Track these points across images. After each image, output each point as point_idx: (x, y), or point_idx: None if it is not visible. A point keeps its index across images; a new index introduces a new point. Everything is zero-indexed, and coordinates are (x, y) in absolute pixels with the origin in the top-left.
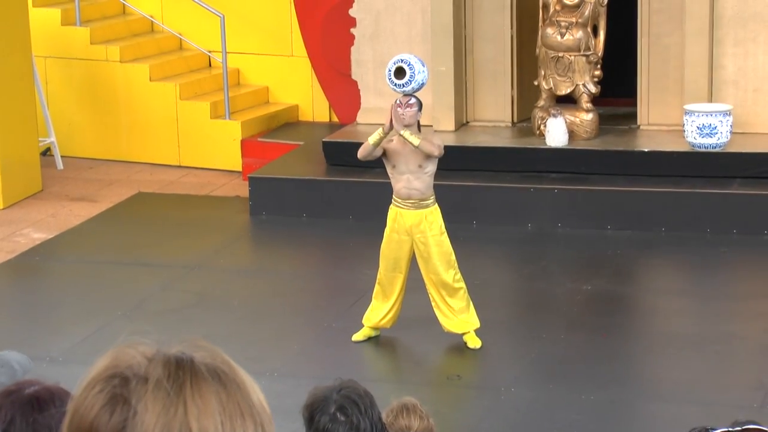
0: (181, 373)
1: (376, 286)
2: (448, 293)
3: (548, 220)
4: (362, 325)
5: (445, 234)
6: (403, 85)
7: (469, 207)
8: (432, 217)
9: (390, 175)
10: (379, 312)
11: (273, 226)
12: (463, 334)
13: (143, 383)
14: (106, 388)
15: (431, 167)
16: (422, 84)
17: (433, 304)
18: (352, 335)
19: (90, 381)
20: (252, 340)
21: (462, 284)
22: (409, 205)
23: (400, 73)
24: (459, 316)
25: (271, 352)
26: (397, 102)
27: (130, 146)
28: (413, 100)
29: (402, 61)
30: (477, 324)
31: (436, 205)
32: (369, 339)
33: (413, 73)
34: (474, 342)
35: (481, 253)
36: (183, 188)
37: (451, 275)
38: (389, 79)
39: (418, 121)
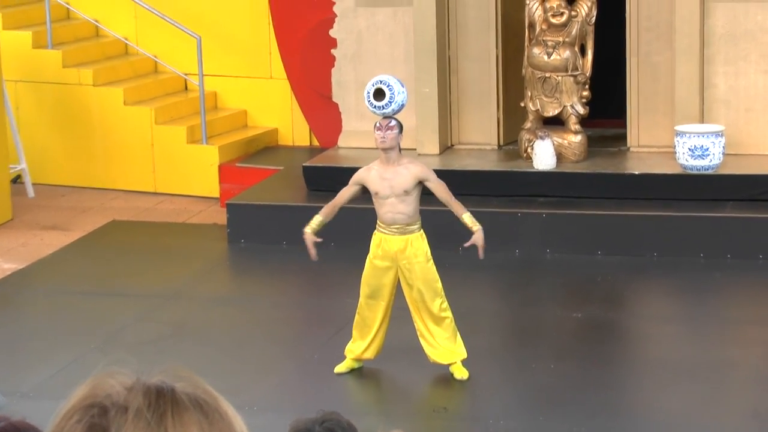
0: (162, 402)
1: (356, 316)
2: (434, 322)
3: (536, 245)
4: (345, 357)
5: (431, 261)
6: (383, 107)
7: (455, 232)
8: (417, 243)
9: (374, 201)
10: (360, 343)
11: (252, 253)
12: (450, 364)
13: (123, 413)
14: (84, 417)
15: (416, 192)
16: (402, 105)
17: (418, 333)
18: (334, 367)
19: (68, 411)
20: (230, 372)
21: (449, 313)
22: (395, 230)
23: (379, 94)
24: (445, 345)
25: (250, 384)
26: (377, 125)
27: (104, 172)
28: (393, 123)
29: (381, 82)
30: (464, 354)
31: (422, 231)
32: (352, 371)
33: (393, 94)
34: (461, 373)
35: (467, 280)
36: (159, 216)
37: (438, 304)
38: (368, 101)
39: (399, 144)
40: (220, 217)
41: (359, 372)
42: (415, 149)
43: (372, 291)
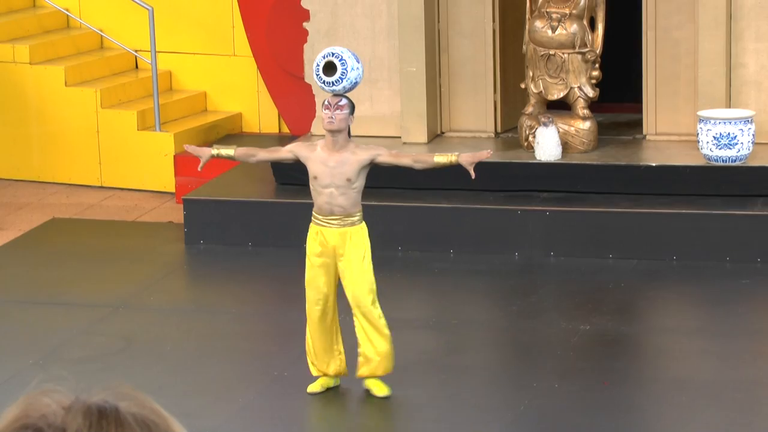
0: (105, 423)
1: (308, 326)
2: (375, 330)
3: (539, 247)
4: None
5: (369, 260)
6: (333, 84)
7: (445, 233)
8: (357, 237)
9: (310, 186)
10: (323, 357)
11: (212, 256)
12: (369, 377)
13: None
14: None
15: (360, 182)
16: (355, 83)
17: (358, 339)
18: (307, 386)
19: None
20: (187, 393)
21: (384, 321)
22: (332, 222)
23: (329, 69)
24: (383, 358)
25: (210, 406)
26: (325, 103)
27: (43, 163)
28: (344, 102)
29: (332, 54)
30: (390, 369)
31: (363, 223)
32: (327, 390)
33: (345, 69)
34: (381, 390)
35: (459, 287)
36: (105, 213)
37: (377, 311)
38: (317, 75)
39: (348, 127)
40: (176, 214)
41: (335, 391)
42: (399, 137)
43: (315, 295)
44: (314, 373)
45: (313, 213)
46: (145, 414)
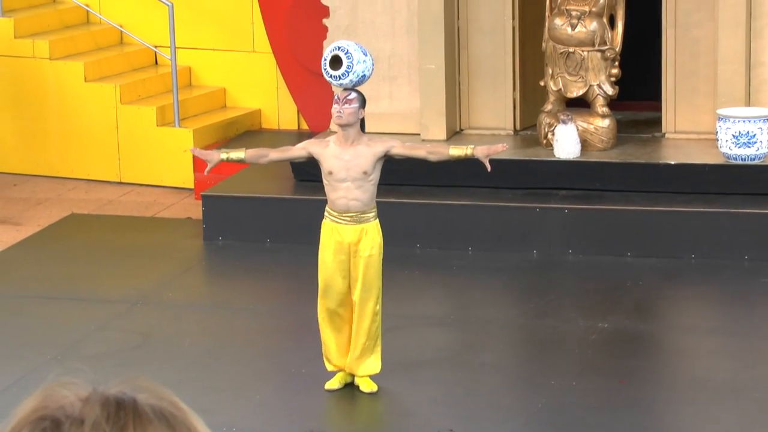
0: (123, 414)
1: (321, 323)
2: (368, 328)
3: (557, 245)
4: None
5: (381, 258)
6: (340, 77)
7: (464, 230)
8: (372, 234)
9: (324, 183)
10: (337, 354)
11: (231, 253)
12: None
13: (78, 426)
14: (35, 431)
15: (376, 175)
16: (363, 77)
17: (353, 338)
18: (325, 382)
19: (15, 425)
20: (206, 389)
21: (379, 319)
22: (347, 219)
23: (336, 62)
24: (363, 355)
25: (228, 402)
26: (336, 97)
27: (62, 159)
28: (353, 95)
29: (339, 48)
30: (378, 369)
31: (377, 220)
32: (346, 386)
33: (351, 63)
34: (369, 386)
35: (478, 284)
36: (124, 209)
37: (372, 305)
38: (324, 69)
39: (362, 121)
40: (195, 210)
41: (352, 387)
42: (419, 134)
43: (331, 292)
44: (330, 368)
45: (327, 210)
46: (164, 406)
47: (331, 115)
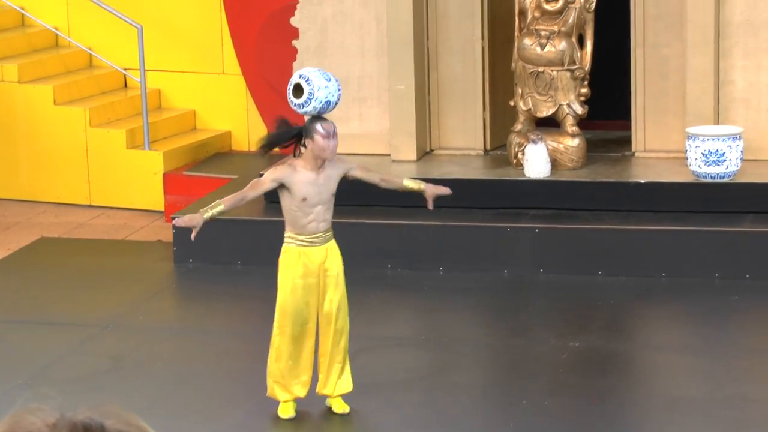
0: None
1: (274, 352)
2: (342, 345)
3: (528, 265)
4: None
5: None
6: (303, 105)
7: (435, 250)
8: (335, 251)
9: (293, 209)
10: (291, 379)
11: (201, 275)
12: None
13: None
14: None
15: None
16: (328, 102)
17: (321, 357)
18: (297, 406)
19: None
20: (177, 412)
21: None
22: (317, 240)
23: (297, 90)
24: (336, 373)
25: (200, 426)
26: (322, 131)
27: (31, 182)
28: (335, 127)
29: (300, 76)
30: (350, 388)
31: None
32: (298, 411)
33: (312, 90)
34: (342, 407)
35: (449, 305)
36: (94, 232)
37: (345, 320)
38: (288, 99)
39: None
40: (165, 233)
41: (324, 410)
42: (389, 155)
43: (299, 317)
44: (283, 398)
45: (292, 235)
46: (131, 431)
47: (320, 147)
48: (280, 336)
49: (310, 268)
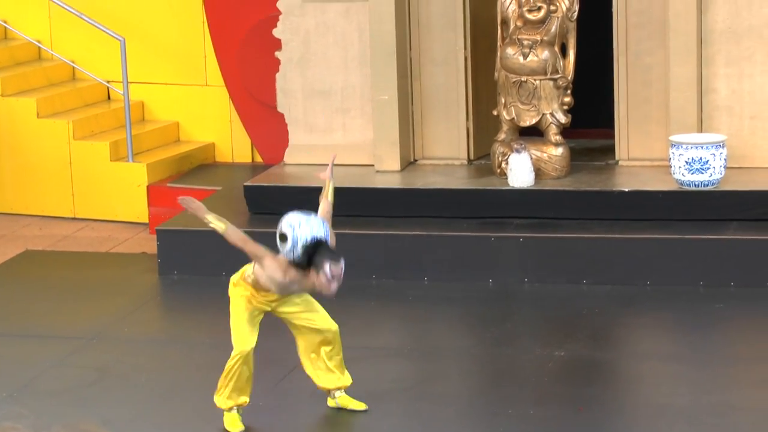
0: None
1: (238, 362)
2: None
3: (513, 274)
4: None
5: None
6: (288, 253)
7: (419, 260)
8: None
9: (264, 277)
10: (246, 389)
11: (186, 287)
12: (338, 389)
13: None
14: None
15: None
16: (314, 239)
17: (312, 366)
18: (283, 415)
19: None
20: (162, 424)
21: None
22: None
23: (282, 238)
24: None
25: None
26: (329, 273)
27: (15, 195)
28: (342, 264)
29: (286, 224)
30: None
31: None
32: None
33: (294, 236)
34: (359, 403)
35: (434, 314)
36: (79, 245)
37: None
38: (278, 244)
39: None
40: (150, 245)
41: (309, 420)
42: (372, 165)
43: (249, 333)
44: (227, 405)
45: (245, 284)
46: None
47: (322, 285)
48: (241, 345)
49: (265, 299)
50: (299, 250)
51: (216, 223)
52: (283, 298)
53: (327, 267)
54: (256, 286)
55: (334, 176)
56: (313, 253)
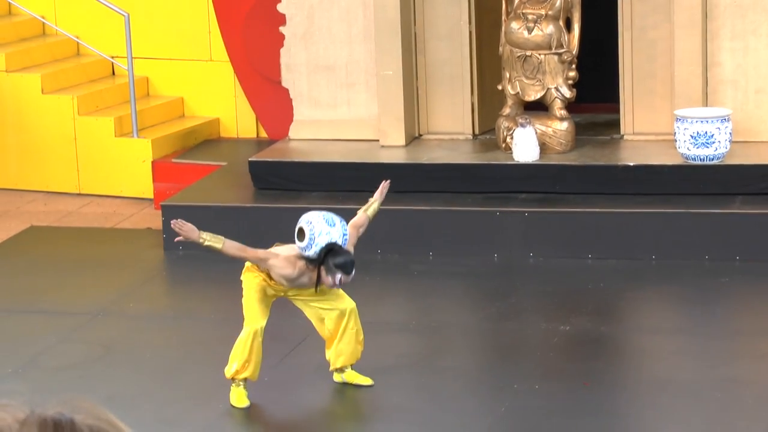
0: None
1: (254, 342)
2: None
3: (518, 249)
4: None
5: None
6: (305, 249)
7: (424, 235)
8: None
9: (270, 271)
10: (258, 364)
11: (192, 262)
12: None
13: None
14: None
15: None
16: (333, 244)
17: (335, 342)
18: (288, 392)
19: None
20: (168, 400)
21: None
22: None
23: (300, 234)
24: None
25: (190, 413)
26: (338, 283)
27: (20, 171)
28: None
29: (308, 222)
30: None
31: None
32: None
33: (313, 235)
34: (365, 378)
35: (439, 289)
36: (84, 220)
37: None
38: (295, 237)
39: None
40: (155, 221)
41: (316, 395)
42: (377, 140)
43: (261, 312)
44: (240, 376)
45: (259, 271)
46: (101, 426)
47: (328, 284)
48: (254, 322)
49: (277, 288)
50: (315, 249)
51: (212, 240)
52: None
53: (338, 277)
54: (268, 276)
55: (383, 199)
56: (327, 256)
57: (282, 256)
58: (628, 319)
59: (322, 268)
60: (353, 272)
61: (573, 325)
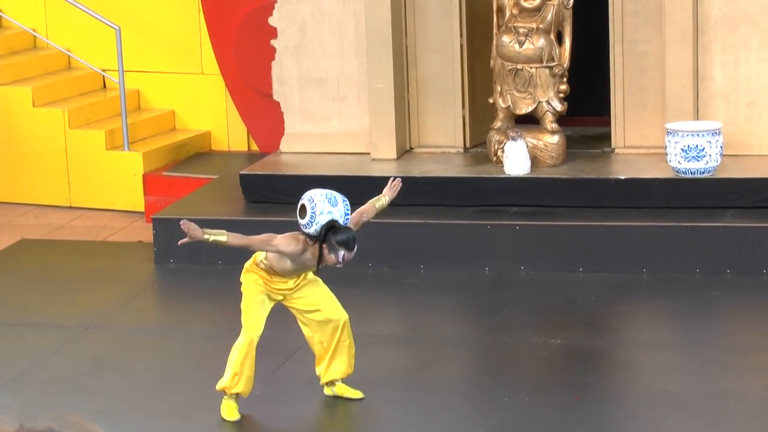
0: None
1: (247, 354)
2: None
3: (509, 262)
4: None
5: None
6: (305, 226)
7: (415, 249)
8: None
9: (279, 257)
10: (251, 378)
11: (182, 276)
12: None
13: None
14: None
15: None
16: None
17: (328, 356)
18: (280, 406)
19: None
20: (159, 413)
21: None
22: (292, 276)
23: (302, 211)
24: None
25: (181, 426)
26: (341, 259)
27: (11, 184)
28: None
29: (309, 199)
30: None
31: None
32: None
33: (314, 213)
34: (355, 392)
35: (430, 302)
36: (75, 233)
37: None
38: (297, 215)
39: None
40: (146, 234)
41: (307, 410)
42: (368, 153)
43: (260, 319)
44: (235, 390)
45: (259, 270)
46: None
47: (331, 262)
48: (251, 334)
49: (280, 289)
50: (315, 228)
51: (216, 235)
52: (296, 285)
53: (341, 254)
54: (270, 272)
55: (394, 196)
56: (328, 233)
57: (285, 234)
58: (620, 333)
59: (324, 246)
60: (355, 249)
61: (564, 338)
